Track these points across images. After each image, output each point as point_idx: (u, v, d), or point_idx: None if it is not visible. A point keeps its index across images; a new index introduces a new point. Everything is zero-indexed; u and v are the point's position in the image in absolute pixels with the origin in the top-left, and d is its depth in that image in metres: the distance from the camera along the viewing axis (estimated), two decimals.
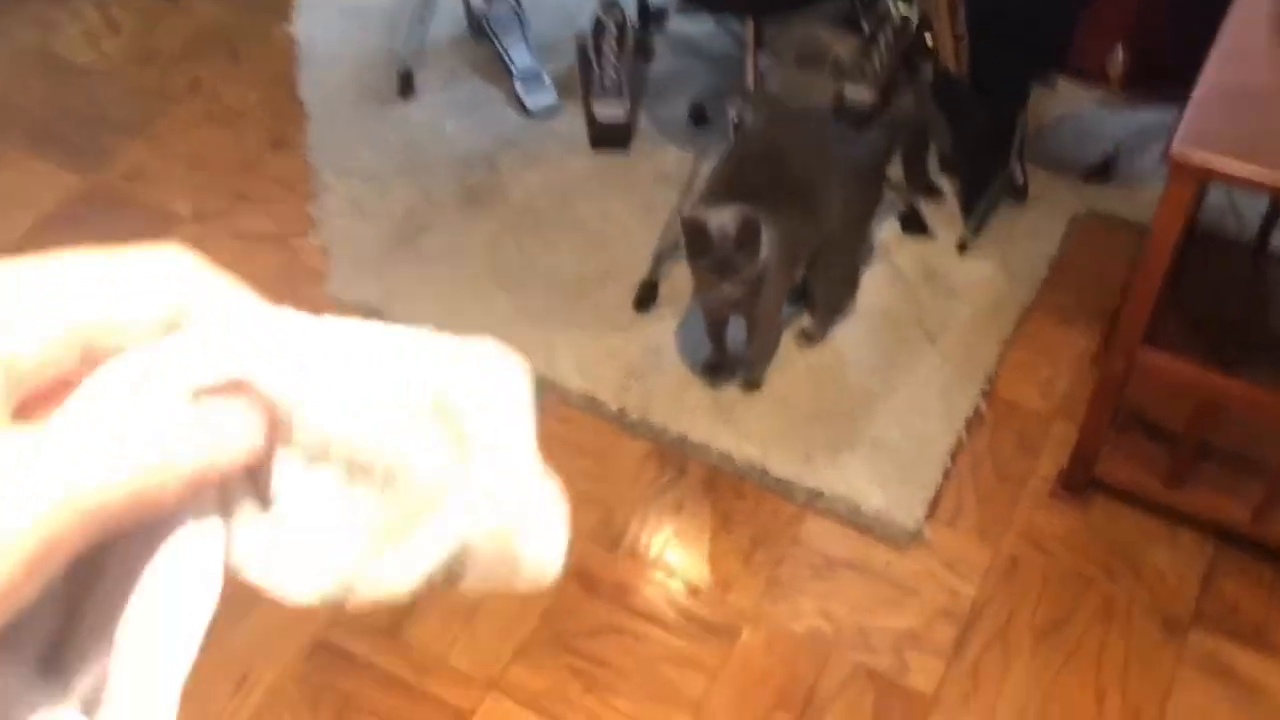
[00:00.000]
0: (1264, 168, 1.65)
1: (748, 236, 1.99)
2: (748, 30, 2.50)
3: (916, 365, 2.47)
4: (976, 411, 2.39)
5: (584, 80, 3.08)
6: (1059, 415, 2.39)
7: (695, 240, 2.02)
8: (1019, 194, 2.71)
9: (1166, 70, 2.37)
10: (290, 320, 0.31)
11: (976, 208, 2.64)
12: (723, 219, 2.00)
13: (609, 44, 3.08)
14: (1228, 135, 1.71)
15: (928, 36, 3.05)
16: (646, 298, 2.57)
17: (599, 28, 3.11)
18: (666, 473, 2.31)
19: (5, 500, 0.25)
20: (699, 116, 3.01)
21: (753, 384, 2.43)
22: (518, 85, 3.08)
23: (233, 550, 0.31)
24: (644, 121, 3.04)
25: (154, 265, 0.30)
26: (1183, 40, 2.40)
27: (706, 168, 2.57)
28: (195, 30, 3.30)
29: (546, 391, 2.35)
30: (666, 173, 2.91)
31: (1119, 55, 2.27)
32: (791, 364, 2.47)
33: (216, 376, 0.29)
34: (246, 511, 0.31)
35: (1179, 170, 1.71)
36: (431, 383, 0.32)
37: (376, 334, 0.32)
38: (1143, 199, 2.78)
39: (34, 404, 0.28)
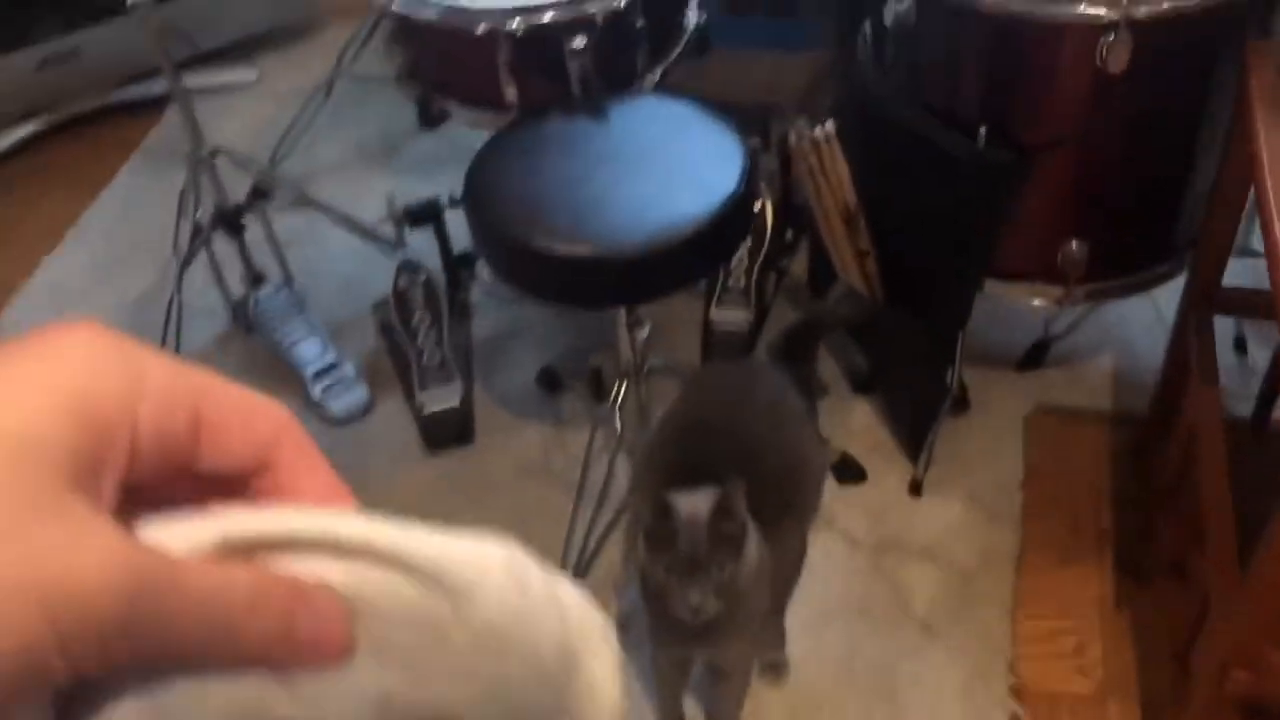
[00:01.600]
0: None
1: (727, 518, 1.38)
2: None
3: (920, 670, 1.91)
4: (1014, 719, 1.84)
5: (398, 366, 2.45)
6: (1111, 695, 1.87)
7: (657, 531, 1.39)
8: (959, 404, 2.24)
9: (1131, 262, 1.97)
10: None
11: (926, 440, 2.14)
12: (694, 500, 1.38)
13: (419, 313, 2.48)
14: None
15: (788, 233, 2.61)
16: None
17: (402, 296, 2.50)
18: None
19: None
20: (552, 382, 2.43)
21: None
22: (313, 387, 2.41)
23: None
24: (483, 402, 2.42)
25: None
26: (1145, 228, 2.03)
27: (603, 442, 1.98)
28: None
29: None
30: (528, 463, 2.30)
31: (1074, 250, 1.84)
32: (764, 710, 1.86)
33: None
34: None
35: None
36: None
37: None
38: (1088, 379, 2.37)
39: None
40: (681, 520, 1.37)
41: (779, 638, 1.86)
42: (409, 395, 2.39)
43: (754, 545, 1.40)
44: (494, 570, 0.32)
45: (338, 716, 0.31)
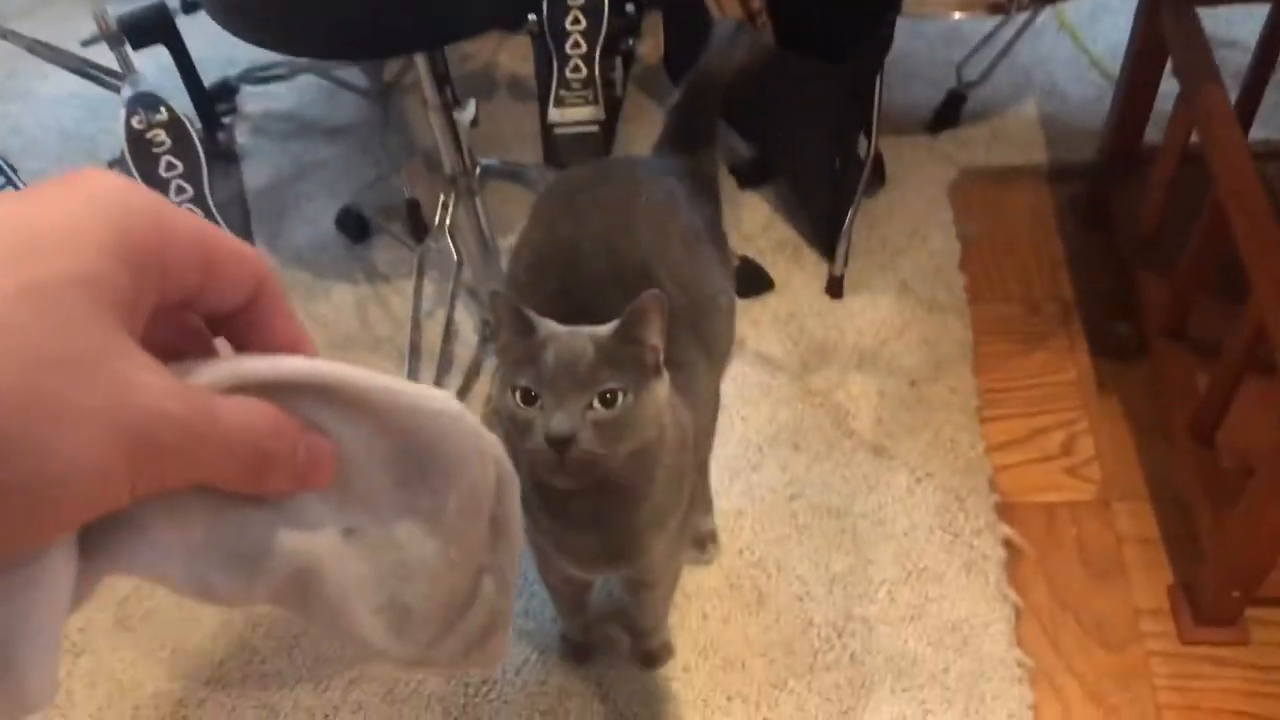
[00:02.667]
0: None
1: (630, 341, 0.89)
2: (422, 70, 1.38)
3: (881, 505, 1.49)
4: (1009, 546, 1.45)
5: None
6: (1114, 495, 1.50)
7: (520, 343, 0.89)
8: (874, 179, 1.80)
9: None
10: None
11: (843, 228, 1.70)
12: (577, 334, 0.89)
13: (166, 162, 1.87)
14: None
15: (629, 6, 2.09)
16: None
17: (140, 141, 1.89)
18: None
19: None
20: (356, 225, 1.88)
21: (659, 655, 1.36)
22: None
23: None
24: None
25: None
26: None
27: (435, 286, 1.46)
28: None
29: None
30: (341, 333, 1.76)
31: None
32: (698, 593, 1.42)
33: None
34: None
35: None
36: None
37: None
38: (1012, 132, 1.96)
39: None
40: (549, 330, 0.89)
41: (704, 504, 1.41)
42: None
43: (664, 388, 0.92)
44: (449, 402, 0.35)
45: (313, 545, 0.34)
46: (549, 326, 0.90)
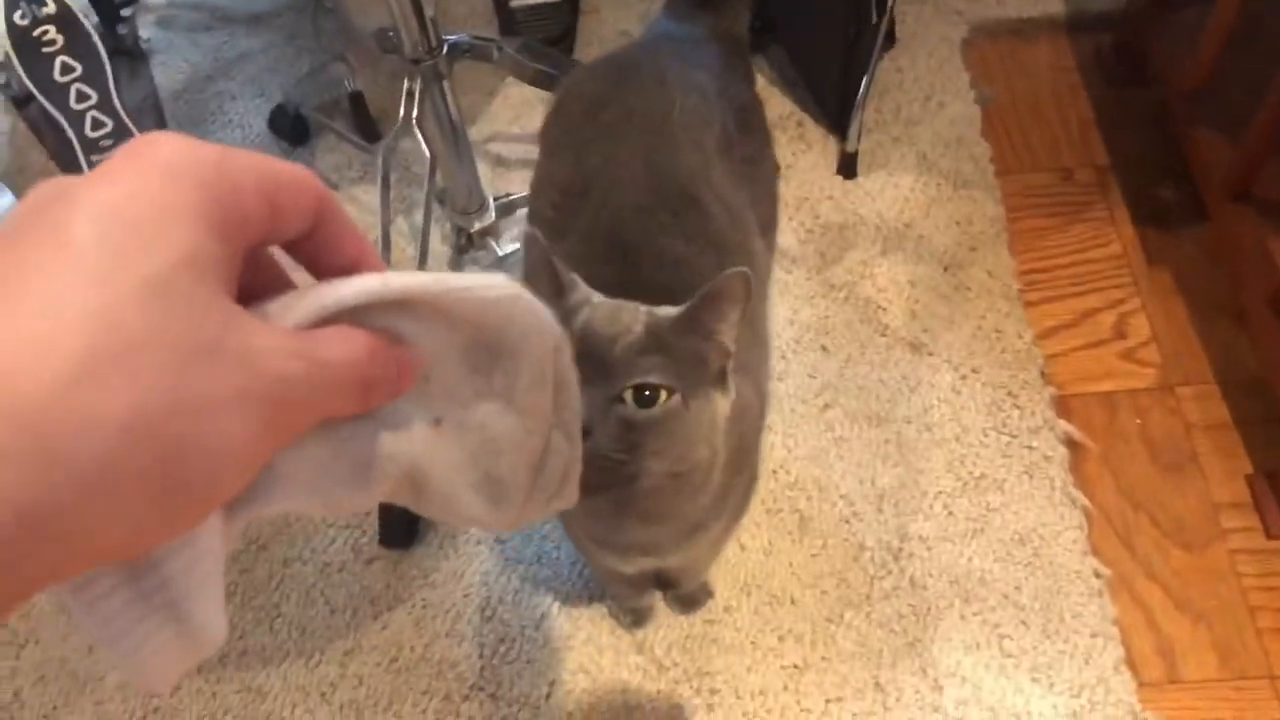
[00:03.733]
0: None
1: (693, 330, 0.69)
2: None
3: (925, 407, 1.33)
4: (1070, 444, 1.31)
5: (51, 150, 1.59)
6: (1177, 379, 1.35)
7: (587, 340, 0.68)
8: (884, 41, 1.59)
9: None
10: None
11: (856, 99, 1.50)
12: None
13: (62, 63, 1.60)
14: None
15: None
16: None
17: (25, 40, 1.61)
18: None
19: None
20: (292, 127, 1.63)
21: (696, 597, 1.21)
22: None
23: None
24: None
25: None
26: None
27: (399, 192, 1.24)
28: None
29: None
30: None
31: None
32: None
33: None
34: None
35: None
36: None
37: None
38: None
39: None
40: (583, 295, 0.69)
41: None
42: None
43: (727, 403, 0.72)
44: (509, 286, 0.37)
45: (410, 442, 0.36)
46: (586, 292, 0.70)
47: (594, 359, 0.64)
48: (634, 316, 0.67)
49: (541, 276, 0.69)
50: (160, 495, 0.27)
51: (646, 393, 0.65)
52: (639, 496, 0.73)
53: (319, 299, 0.32)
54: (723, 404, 0.72)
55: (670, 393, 0.66)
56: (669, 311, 0.68)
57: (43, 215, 0.27)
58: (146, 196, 0.28)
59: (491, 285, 0.36)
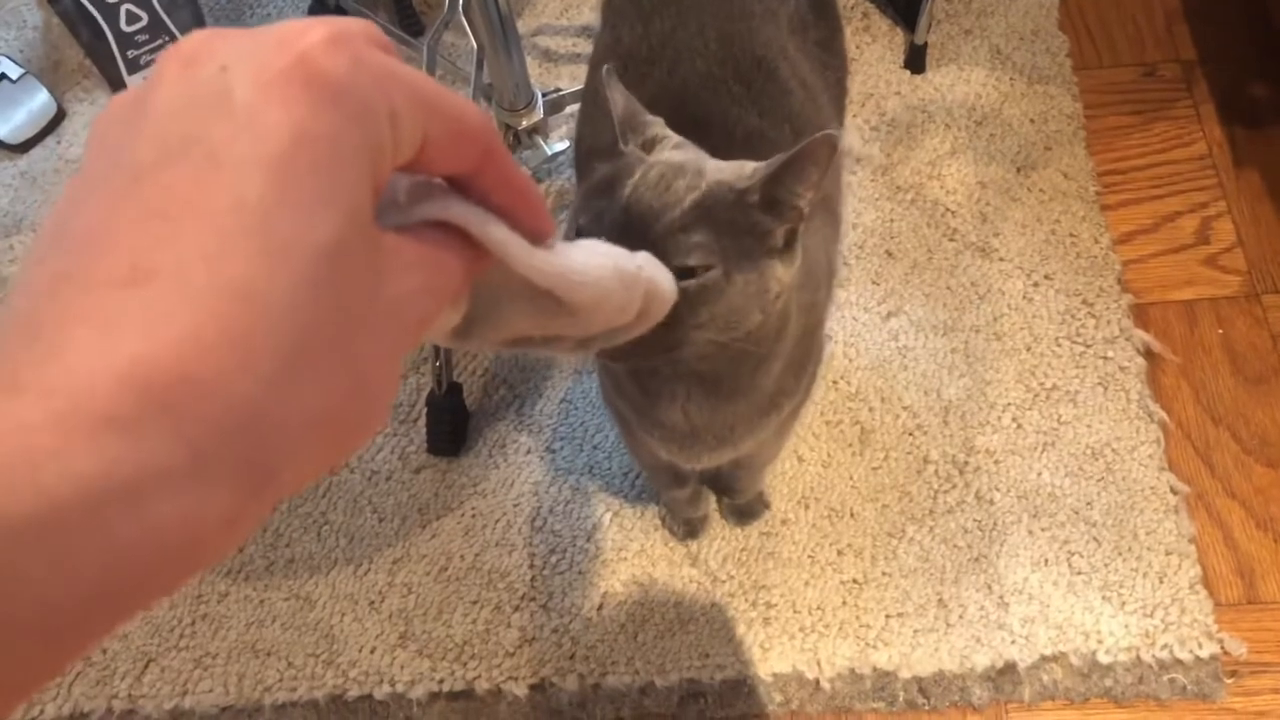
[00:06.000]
0: None
1: (777, 187, 0.61)
2: None
3: (998, 313, 1.27)
4: (1148, 354, 1.24)
5: (88, 46, 1.54)
6: (1264, 287, 1.28)
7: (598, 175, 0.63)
8: None
9: None
10: None
11: None
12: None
13: None
14: None
15: None
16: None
17: None
18: None
19: None
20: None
21: (753, 508, 1.17)
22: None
23: None
24: None
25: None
26: None
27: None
28: None
29: None
30: None
31: None
32: (799, 432, 1.21)
33: None
34: None
35: None
36: None
37: None
38: None
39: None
40: (635, 155, 0.63)
41: None
42: (116, 85, 1.51)
43: (789, 271, 0.64)
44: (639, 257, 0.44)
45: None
46: (659, 132, 0.64)
47: (635, 232, 0.59)
48: (690, 183, 0.61)
49: (607, 124, 0.63)
50: (339, 454, 0.27)
51: (685, 271, 0.60)
52: (692, 365, 0.68)
53: (465, 218, 0.31)
54: (783, 272, 0.65)
55: (708, 268, 0.60)
56: (742, 172, 0.61)
57: (197, 142, 0.24)
58: (317, 135, 0.25)
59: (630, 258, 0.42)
